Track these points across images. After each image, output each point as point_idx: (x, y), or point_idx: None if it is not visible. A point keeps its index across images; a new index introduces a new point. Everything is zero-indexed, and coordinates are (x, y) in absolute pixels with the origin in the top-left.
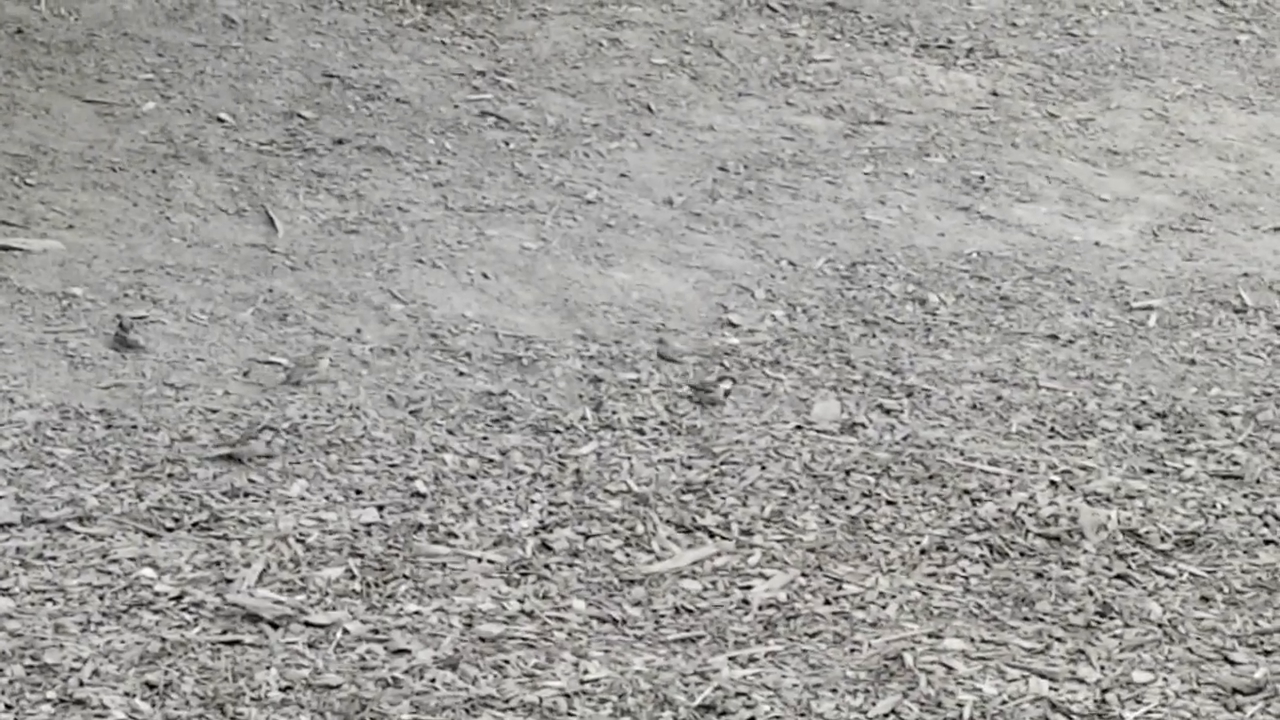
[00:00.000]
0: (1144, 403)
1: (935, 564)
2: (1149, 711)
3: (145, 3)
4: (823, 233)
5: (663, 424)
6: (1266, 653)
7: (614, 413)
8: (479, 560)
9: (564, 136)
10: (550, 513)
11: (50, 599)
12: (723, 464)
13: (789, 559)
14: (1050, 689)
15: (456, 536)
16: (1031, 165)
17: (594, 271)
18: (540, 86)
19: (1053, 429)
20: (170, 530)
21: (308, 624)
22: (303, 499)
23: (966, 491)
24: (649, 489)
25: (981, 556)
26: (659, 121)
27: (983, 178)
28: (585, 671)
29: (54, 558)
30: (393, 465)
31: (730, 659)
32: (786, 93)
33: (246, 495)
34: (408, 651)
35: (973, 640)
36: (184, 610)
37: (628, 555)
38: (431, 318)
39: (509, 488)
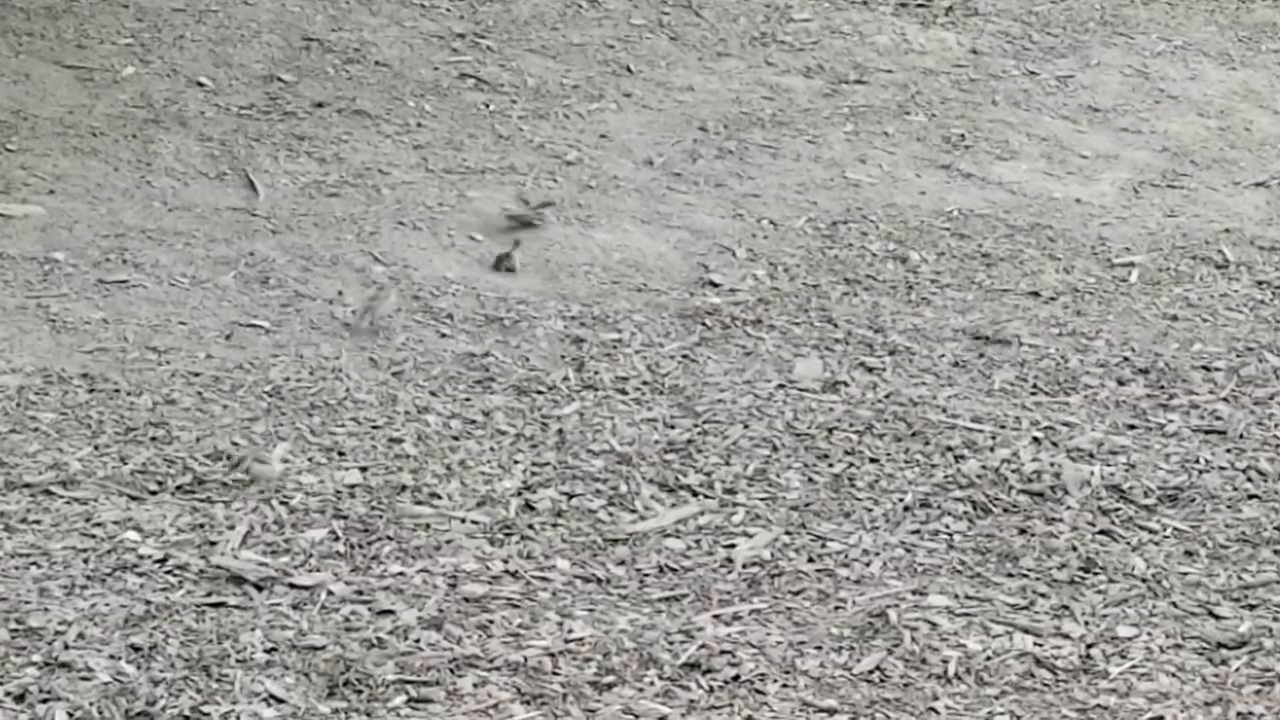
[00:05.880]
0: (1126, 359)
1: (919, 521)
2: (1134, 666)
3: None
4: (803, 192)
5: (645, 384)
6: (1251, 607)
7: (596, 373)
8: (462, 521)
9: (544, 98)
10: (533, 473)
11: (34, 563)
12: (705, 423)
13: (772, 517)
14: (1035, 644)
15: (440, 497)
16: (1012, 123)
17: (575, 232)
18: (520, 48)
19: (1035, 385)
20: (154, 493)
21: (292, 586)
22: (285, 461)
23: (949, 448)
24: (632, 448)
25: (965, 513)
26: (638, 82)
27: (963, 136)
28: (570, 631)
29: (38, 522)
30: (375, 427)
31: (715, 617)
32: (766, 52)
33: (229, 458)
34: (392, 612)
35: (957, 597)
36: (168, 573)
37: (611, 515)
38: (413, 279)
39: (492, 448)
